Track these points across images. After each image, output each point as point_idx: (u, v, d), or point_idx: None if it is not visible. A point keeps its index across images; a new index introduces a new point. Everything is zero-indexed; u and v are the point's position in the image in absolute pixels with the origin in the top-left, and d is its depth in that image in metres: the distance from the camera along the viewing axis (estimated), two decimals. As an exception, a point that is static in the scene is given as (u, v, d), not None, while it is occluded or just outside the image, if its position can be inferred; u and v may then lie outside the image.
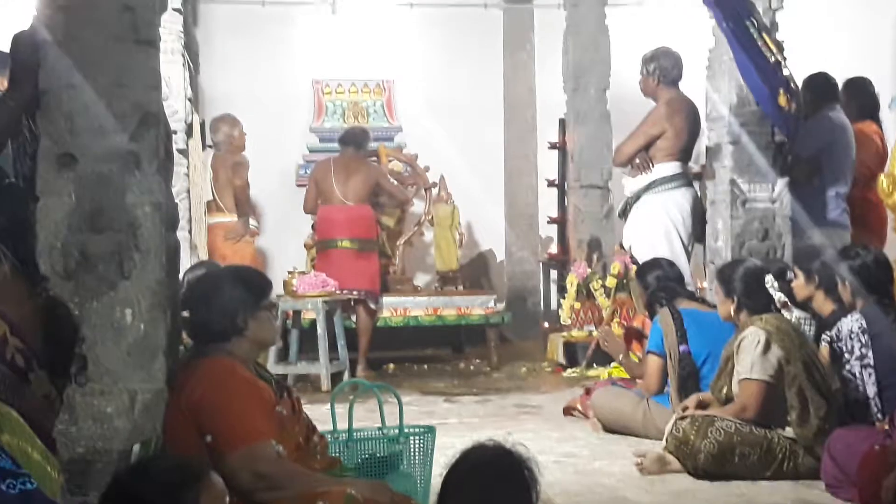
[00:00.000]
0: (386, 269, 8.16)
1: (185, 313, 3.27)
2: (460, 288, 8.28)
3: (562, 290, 8.25)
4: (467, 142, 9.26)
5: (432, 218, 8.34)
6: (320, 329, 6.96)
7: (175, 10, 5.76)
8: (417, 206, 8.71)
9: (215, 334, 3.18)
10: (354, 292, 7.49)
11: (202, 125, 7.61)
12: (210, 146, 8.06)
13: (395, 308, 7.89)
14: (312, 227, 8.00)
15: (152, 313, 2.98)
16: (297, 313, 7.30)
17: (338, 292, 7.25)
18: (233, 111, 8.20)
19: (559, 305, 8.15)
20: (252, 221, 8.13)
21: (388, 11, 9.34)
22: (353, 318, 7.65)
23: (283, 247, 8.82)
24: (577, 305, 7.73)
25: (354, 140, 7.84)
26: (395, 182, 8.16)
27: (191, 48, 7.73)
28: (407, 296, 8.00)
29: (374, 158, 8.41)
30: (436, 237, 8.34)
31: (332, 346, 7.12)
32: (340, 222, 7.59)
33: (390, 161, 8.59)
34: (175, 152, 5.87)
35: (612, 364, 6.68)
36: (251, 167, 8.12)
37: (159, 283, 3.01)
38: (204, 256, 6.78)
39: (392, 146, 8.89)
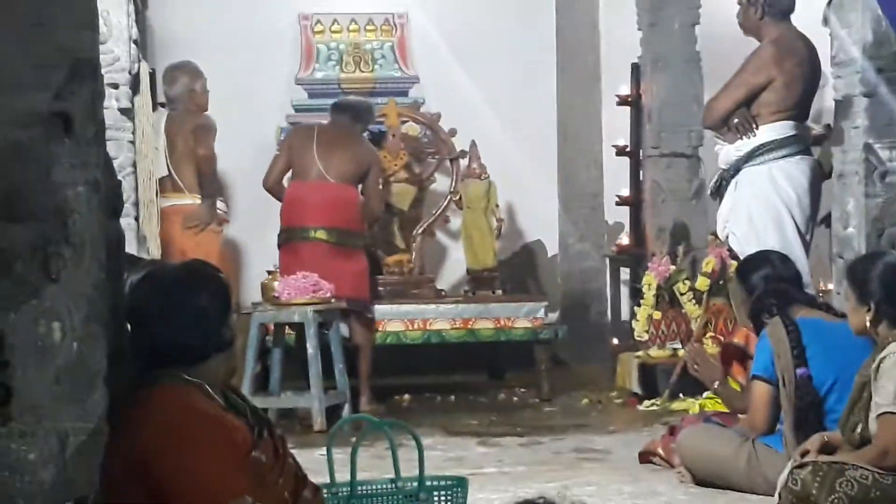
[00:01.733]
0: (399, 267, 8.16)
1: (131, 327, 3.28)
2: (499, 293, 8.28)
3: (636, 295, 8.23)
4: (507, 96, 9.25)
5: (460, 198, 8.34)
6: (311, 348, 6.98)
7: (116, -79, 5.79)
8: (441, 184, 8.71)
9: (190, 355, 3.21)
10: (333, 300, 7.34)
11: (152, 76, 7.63)
12: (163, 105, 8.08)
13: (412, 319, 7.90)
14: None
15: (88, 328, 2.98)
16: (280, 327, 7.33)
17: (335, 300, 7.25)
18: (193, 58, 8.23)
19: (632, 315, 8.14)
20: (220, 205, 8.15)
21: (399, -80, 9.35)
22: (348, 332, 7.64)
23: (261, 238, 8.82)
24: (657, 315, 7.72)
25: (353, 110, 7.88)
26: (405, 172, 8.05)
27: (137, -26, 7.75)
28: (427, 303, 8.03)
29: (382, 118, 8.41)
30: (465, 224, 8.34)
31: (328, 372, 7.13)
32: (315, 205, 7.53)
33: (404, 123, 8.60)
34: (117, 113, 5.97)
35: (705, 394, 6.69)
36: (219, 132, 8.14)
37: (97, 287, 3.01)
38: (156, 251, 6.81)
39: (406, 103, 8.89)
